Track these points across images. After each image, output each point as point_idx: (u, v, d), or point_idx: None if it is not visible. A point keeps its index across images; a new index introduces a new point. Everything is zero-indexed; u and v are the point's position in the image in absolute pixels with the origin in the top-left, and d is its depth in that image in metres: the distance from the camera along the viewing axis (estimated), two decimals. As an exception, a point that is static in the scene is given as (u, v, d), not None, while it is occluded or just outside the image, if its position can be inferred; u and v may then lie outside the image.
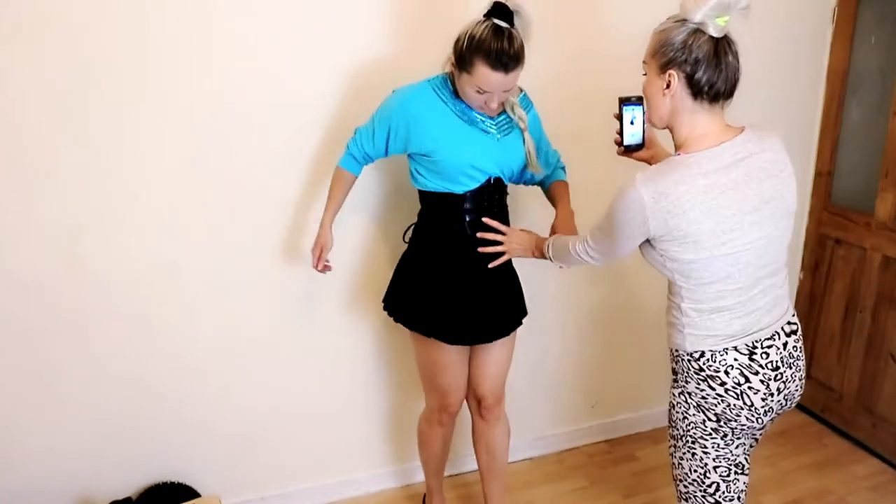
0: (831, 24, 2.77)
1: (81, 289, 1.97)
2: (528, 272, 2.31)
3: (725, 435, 1.50)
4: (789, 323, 1.53)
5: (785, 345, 1.50)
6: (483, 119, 1.84)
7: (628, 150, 1.67)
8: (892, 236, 2.62)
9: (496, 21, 1.66)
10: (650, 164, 1.66)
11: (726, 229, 1.38)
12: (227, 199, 2.06)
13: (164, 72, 1.90)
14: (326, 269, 1.98)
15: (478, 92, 1.72)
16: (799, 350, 1.54)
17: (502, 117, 1.87)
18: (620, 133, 1.63)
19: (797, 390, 1.55)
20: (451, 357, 1.99)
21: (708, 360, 1.46)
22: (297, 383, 2.31)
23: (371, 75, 2.07)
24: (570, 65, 2.33)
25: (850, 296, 2.81)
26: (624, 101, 1.58)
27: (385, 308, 2.03)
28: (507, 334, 2.00)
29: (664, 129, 1.49)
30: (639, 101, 1.59)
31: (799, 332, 1.55)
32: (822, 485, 2.59)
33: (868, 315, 2.73)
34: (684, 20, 1.37)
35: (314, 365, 2.31)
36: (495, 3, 1.68)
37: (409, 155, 1.91)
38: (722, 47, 1.37)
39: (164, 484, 2.18)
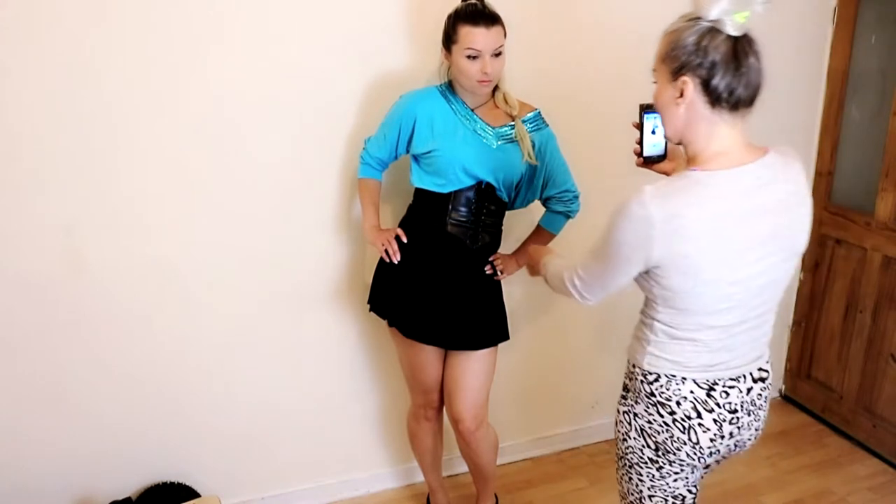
0: (832, 24, 2.76)
1: (81, 289, 1.97)
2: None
3: (661, 467, 1.41)
4: (760, 369, 1.41)
5: (749, 390, 1.38)
6: (484, 126, 1.88)
7: (648, 162, 1.52)
8: (892, 236, 2.62)
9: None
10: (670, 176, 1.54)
11: (729, 263, 1.25)
12: (227, 200, 2.06)
13: (163, 72, 1.90)
14: (396, 254, 1.93)
15: (469, 58, 1.77)
16: (763, 399, 1.43)
17: (504, 129, 1.90)
18: (640, 143, 1.49)
19: (750, 440, 1.44)
20: (428, 356, 2.01)
21: (662, 386, 1.36)
22: (298, 383, 2.31)
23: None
24: (567, 67, 2.32)
25: (851, 296, 2.81)
26: (645, 109, 1.45)
27: (368, 302, 2.06)
28: (478, 347, 1.98)
29: (679, 143, 1.34)
30: None
31: (768, 382, 1.43)
32: (822, 485, 2.59)
33: (868, 315, 2.73)
34: (698, 18, 1.21)
35: (314, 365, 2.31)
36: None
37: (412, 155, 1.94)
38: (742, 48, 1.20)
39: (164, 484, 2.18)
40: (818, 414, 3.01)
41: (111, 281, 2.00)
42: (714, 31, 1.20)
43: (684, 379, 1.35)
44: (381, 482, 2.53)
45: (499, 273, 1.99)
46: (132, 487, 2.19)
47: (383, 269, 1.99)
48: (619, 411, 1.48)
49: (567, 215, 2.06)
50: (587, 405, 2.79)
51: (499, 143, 1.89)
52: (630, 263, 1.28)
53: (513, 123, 1.90)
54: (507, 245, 2.11)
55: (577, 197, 2.04)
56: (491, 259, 1.98)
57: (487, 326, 1.98)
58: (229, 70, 1.96)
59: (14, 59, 1.77)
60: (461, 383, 2.02)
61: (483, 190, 1.90)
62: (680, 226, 1.21)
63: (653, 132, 1.48)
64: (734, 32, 1.19)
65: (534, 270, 1.70)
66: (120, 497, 2.14)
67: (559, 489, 2.56)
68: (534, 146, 1.92)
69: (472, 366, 2.00)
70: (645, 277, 1.31)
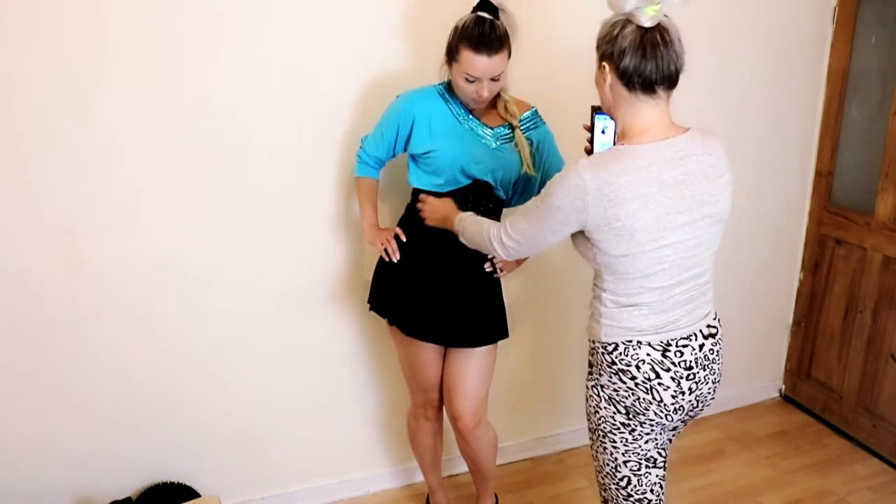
0: (831, 24, 2.77)
1: (81, 289, 1.97)
2: (528, 271, 2.32)
3: (633, 430, 1.51)
4: (709, 326, 1.53)
5: (701, 346, 1.50)
6: (482, 127, 1.89)
7: None
8: (892, 236, 2.62)
9: (479, 13, 1.76)
10: None
11: (660, 226, 1.38)
12: (226, 200, 2.06)
13: (163, 72, 1.90)
14: (395, 253, 1.94)
15: (467, 80, 1.77)
16: (716, 354, 1.54)
17: (502, 129, 1.90)
18: (591, 142, 1.60)
19: (710, 394, 1.55)
20: (427, 354, 2.01)
21: (621, 353, 1.47)
22: (297, 383, 2.31)
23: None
24: (565, 64, 2.33)
25: (851, 296, 2.81)
26: (596, 110, 1.56)
27: (368, 301, 2.06)
28: (478, 345, 1.98)
29: (614, 119, 1.49)
30: None
31: (718, 337, 1.55)
32: (822, 485, 2.59)
33: (868, 315, 2.73)
34: (618, 13, 1.38)
35: (314, 365, 2.31)
36: (481, 0, 1.78)
37: (409, 154, 1.94)
38: (651, 37, 1.35)
39: (164, 484, 2.18)
40: (818, 414, 3.01)
41: (111, 281, 2.00)
42: (627, 22, 1.36)
43: (640, 343, 1.46)
44: (380, 482, 2.53)
45: (498, 271, 1.99)
46: (132, 487, 2.19)
47: (383, 268, 2.00)
48: (587, 387, 1.58)
49: None
50: (587, 405, 2.79)
51: (497, 143, 1.89)
52: (565, 225, 1.42)
53: (500, 113, 1.91)
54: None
55: None
56: (490, 257, 1.99)
57: (487, 324, 1.99)
58: (229, 70, 1.96)
59: (14, 59, 1.77)
60: (460, 381, 2.02)
61: (480, 188, 1.90)
62: (611, 192, 1.35)
63: (602, 132, 1.58)
64: (647, 24, 1.34)
65: (443, 221, 1.80)
66: (120, 497, 2.14)
67: (559, 489, 2.56)
68: (531, 144, 1.93)
69: (471, 363, 2.00)
70: (588, 247, 1.44)
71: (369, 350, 2.37)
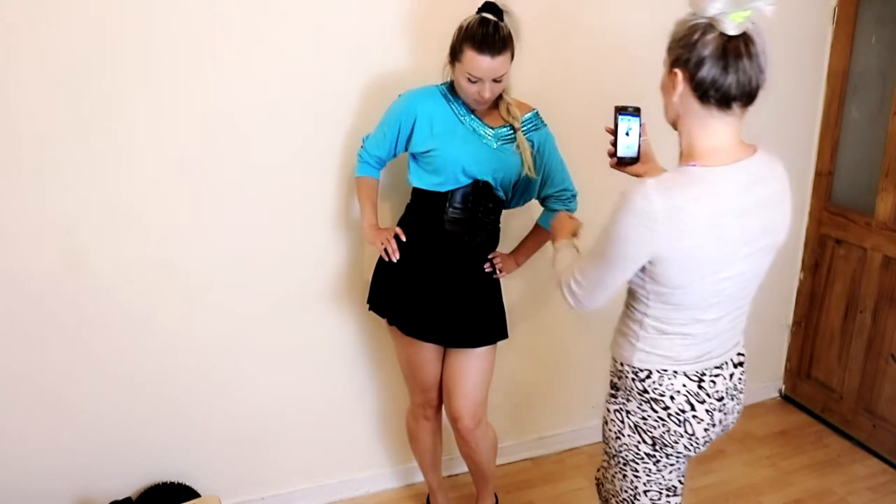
0: (831, 24, 2.77)
1: (81, 289, 1.97)
2: (528, 271, 2.32)
3: (658, 461, 1.42)
4: (739, 354, 1.45)
5: (731, 375, 1.42)
6: (483, 127, 1.89)
7: (621, 163, 1.54)
8: (892, 236, 2.62)
9: (484, 14, 1.76)
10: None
11: (725, 259, 1.27)
12: (227, 200, 2.06)
13: (163, 72, 1.90)
14: (395, 252, 1.92)
15: (469, 80, 1.77)
16: (743, 383, 1.47)
17: (503, 129, 1.90)
18: (614, 144, 1.52)
19: (732, 423, 1.48)
20: (426, 354, 2.02)
21: (655, 381, 1.37)
22: (297, 383, 2.31)
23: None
24: (566, 65, 2.33)
25: (851, 296, 2.81)
26: (620, 111, 1.48)
27: (368, 301, 2.06)
28: (477, 345, 1.98)
29: (675, 129, 1.35)
30: (636, 111, 1.49)
31: (745, 365, 1.47)
32: (822, 485, 2.59)
33: (868, 315, 2.73)
34: (694, 13, 1.23)
35: (314, 365, 2.31)
36: (486, 2, 1.79)
37: (410, 154, 1.95)
38: (734, 47, 1.20)
39: (164, 484, 2.18)
40: (818, 414, 3.01)
41: (111, 281, 2.00)
42: (709, 27, 1.21)
43: (675, 373, 1.36)
44: (380, 482, 2.53)
45: (498, 271, 2.00)
46: (132, 487, 2.19)
47: (382, 267, 2.00)
48: (608, 410, 1.48)
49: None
50: (587, 405, 2.79)
51: (498, 143, 1.90)
52: (632, 260, 1.26)
53: (503, 115, 1.91)
54: (507, 244, 2.11)
55: (574, 196, 2.04)
56: (490, 257, 1.99)
57: (486, 324, 1.99)
58: (229, 70, 1.96)
59: (14, 59, 1.77)
60: (460, 381, 2.02)
61: (480, 188, 1.90)
62: (682, 220, 1.21)
63: (626, 134, 1.49)
64: (731, 32, 1.19)
65: (553, 237, 1.65)
66: (120, 497, 2.14)
67: (559, 489, 2.56)
68: (532, 146, 1.93)
69: (470, 364, 2.00)
70: (638, 274, 1.31)
71: (369, 350, 2.37)
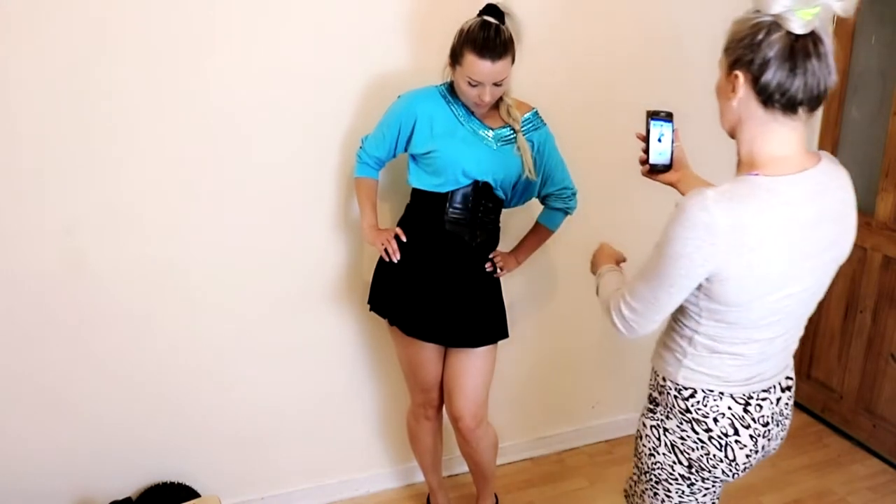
0: (831, 23, 2.76)
1: (81, 289, 1.97)
2: (530, 270, 2.32)
3: (693, 484, 1.35)
4: (788, 377, 1.37)
5: (778, 400, 1.34)
6: (483, 128, 1.89)
7: (654, 171, 1.47)
8: (892, 236, 2.62)
9: (485, 17, 1.75)
10: (677, 188, 1.49)
11: (790, 275, 1.17)
12: (227, 200, 2.06)
13: (163, 72, 1.90)
14: (396, 253, 1.92)
15: (469, 84, 1.77)
16: (789, 409, 1.39)
17: (504, 130, 1.90)
18: (646, 151, 1.45)
19: (775, 449, 1.41)
20: (427, 354, 2.02)
21: (699, 402, 1.29)
22: (297, 383, 2.31)
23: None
24: (566, 64, 2.33)
25: (851, 296, 2.81)
26: (652, 116, 1.41)
27: (368, 302, 2.06)
28: (478, 344, 1.98)
29: (732, 137, 1.25)
30: (668, 116, 1.43)
31: (793, 389, 1.39)
32: (822, 485, 2.59)
33: (868, 315, 2.73)
34: (757, 11, 1.14)
35: (314, 365, 2.31)
36: (487, 4, 1.78)
37: (410, 154, 1.95)
38: (802, 47, 1.12)
39: (164, 484, 2.18)
40: (818, 414, 3.01)
41: (111, 281, 2.00)
42: (774, 26, 1.12)
43: (722, 394, 1.28)
44: (381, 482, 2.53)
45: (498, 270, 2.00)
46: (132, 487, 2.19)
47: (383, 268, 2.00)
48: (644, 425, 1.39)
49: (565, 212, 2.07)
50: (587, 405, 2.79)
51: (498, 144, 1.89)
52: (690, 278, 1.16)
53: (503, 117, 1.91)
54: (507, 242, 2.11)
55: (574, 194, 2.05)
56: (491, 256, 1.99)
57: (487, 324, 1.99)
58: (228, 70, 1.96)
59: (14, 59, 1.77)
60: (460, 381, 2.02)
61: (480, 188, 1.90)
62: (748, 234, 1.12)
63: (659, 140, 1.43)
64: (799, 30, 1.12)
65: (592, 265, 1.55)
66: (120, 497, 2.14)
67: (559, 489, 2.56)
68: (532, 146, 1.93)
69: (471, 363, 2.00)
70: (692, 291, 1.21)
71: (369, 350, 2.37)
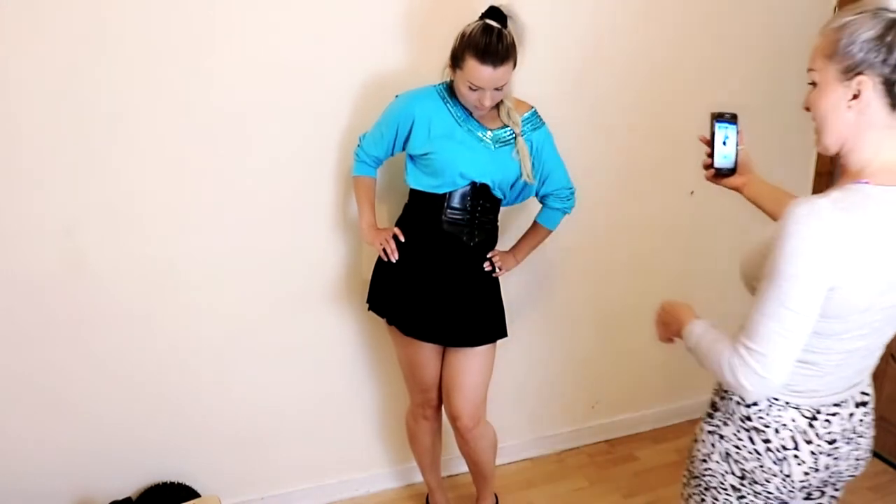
0: None
1: (81, 289, 1.97)
2: (530, 270, 2.32)
3: (743, 497, 1.28)
4: (863, 393, 1.30)
5: (851, 416, 1.26)
6: (481, 129, 1.88)
7: (719, 175, 1.44)
8: None
9: (488, 21, 1.73)
10: (742, 192, 1.45)
11: (889, 288, 1.11)
12: (226, 200, 2.06)
13: (163, 72, 1.90)
14: (394, 253, 1.92)
15: (470, 88, 1.76)
16: (865, 426, 1.30)
17: (502, 131, 1.90)
18: (711, 155, 1.42)
19: (848, 470, 1.31)
20: (426, 354, 2.02)
21: (762, 410, 1.23)
22: (297, 383, 2.31)
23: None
24: (566, 63, 2.33)
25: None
26: (717, 118, 1.38)
27: (367, 301, 2.06)
28: (477, 344, 1.98)
29: (836, 153, 1.17)
30: (733, 118, 1.40)
31: (870, 405, 1.31)
32: (822, 485, 2.58)
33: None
34: (879, 9, 1.06)
35: (314, 365, 2.31)
36: (490, 7, 1.76)
37: (408, 155, 1.94)
38: None
39: (164, 484, 2.18)
40: (818, 414, 3.00)
41: (111, 281, 2.00)
42: None
43: (787, 404, 1.22)
44: (380, 482, 2.53)
45: (497, 270, 1.99)
46: (132, 487, 2.19)
47: (381, 267, 2.00)
48: (702, 429, 1.35)
49: (564, 211, 2.07)
50: (587, 405, 2.79)
51: (496, 146, 1.89)
52: (817, 296, 1.06)
53: (503, 119, 1.91)
54: (506, 241, 2.12)
55: (573, 193, 2.05)
56: (489, 255, 1.99)
57: (486, 323, 1.99)
58: (228, 70, 1.96)
59: (14, 59, 1.77)
60: (459, 380, 2.02)
61: (478, 189, 1.90)
62: (858, 247, 1.06)
63: (724, 143, 1.40)
64: None
65: (668, 332, 1.37)
66: (120, 497, 2.14)
67: (559, 489, 2.56)
68: (531, 145, 1.93)
69: (470, 363, 2.00)
70: None
71: (368, 350, 2.37)
